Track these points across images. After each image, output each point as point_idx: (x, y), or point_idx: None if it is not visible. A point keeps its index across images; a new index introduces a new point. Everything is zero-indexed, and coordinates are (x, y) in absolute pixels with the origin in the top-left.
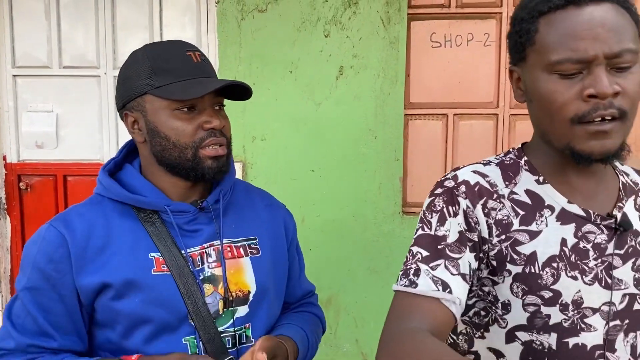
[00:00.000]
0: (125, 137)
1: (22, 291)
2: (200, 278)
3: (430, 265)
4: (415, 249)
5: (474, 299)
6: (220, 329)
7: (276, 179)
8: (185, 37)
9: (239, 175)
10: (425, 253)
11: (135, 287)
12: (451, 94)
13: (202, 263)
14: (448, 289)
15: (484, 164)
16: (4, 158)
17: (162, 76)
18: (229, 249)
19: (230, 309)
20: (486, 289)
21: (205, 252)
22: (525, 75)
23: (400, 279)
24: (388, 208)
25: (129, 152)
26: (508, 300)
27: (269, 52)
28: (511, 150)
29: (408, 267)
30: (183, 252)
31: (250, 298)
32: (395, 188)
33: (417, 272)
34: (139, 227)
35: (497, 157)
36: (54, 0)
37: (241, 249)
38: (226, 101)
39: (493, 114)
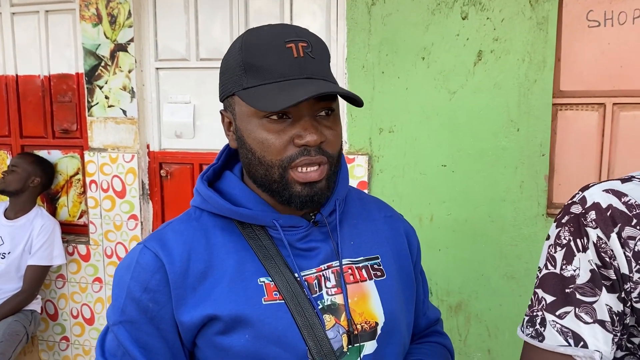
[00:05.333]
0: None
1: (116, 325)
2: (319, 307)
3: (557, 313)
4: (540, 292)
5: (621, 353)
6: None
7: (403, 174)
8: (315, 25)
9: (364, 169)
10: (550, 298)
11: (245, 321)
12: (610, 81)
13: (320, 289)
14: (582, 342)
15: (623, 180)
16: (148, 146)
17: (252, 74)
18: (349, 271)
19: (355, 345)
20: (636, 340)
21: (323, 275)
22: None
23: (526, 326)
24: (530, 209)
25: (230, 157)
26: None
27: (399, 38)
28: None
29: (534, 313)
30: (297, 275)
31: (379, 331)
32: (539, 187)
33: (543, 322)
34: (244, 246)
35: None
36: None
37: (364, 271)
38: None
39: None
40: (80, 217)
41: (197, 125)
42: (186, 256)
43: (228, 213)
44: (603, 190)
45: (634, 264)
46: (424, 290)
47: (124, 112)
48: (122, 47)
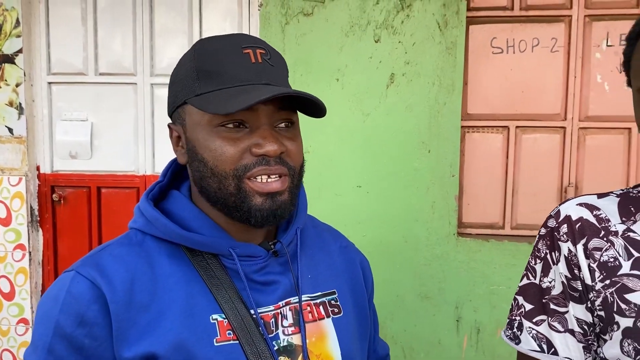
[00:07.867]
0: (161, 149)
1: None
2: (275, 349)
3: (534, 320)
4: (520, 299)
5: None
6: None
7: (320, 195)
8: None
9: None
10: (528, 306)
11: None
12: (513, 105)
13: (276, 327)
14: (552, 349)
15: (600, 196)
16: (38, 168)
17: (206, 81)
18: (308, 308)
19: None
20: (598, 350)
21: (280, 312)
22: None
23: (507, 328)
24: (442, 229)
25: (175, 175)
26: None
27: (314, 58)
28: None
29: (513, 317)
30: (253, 312)
31: None
32: (450, 207)
33: (520, 327)
34: (194, 277)
35: (624, 189)
36: (90, 5)
37: (321, 308)
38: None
39: (560, 127)
40: None
41: (95, 144)
42: (129, 285)
43: (177, 239)
44: (577, 204)
45: (597, 274)
46: (375, 326)
47: (10, 130)
48: (8, 59)
